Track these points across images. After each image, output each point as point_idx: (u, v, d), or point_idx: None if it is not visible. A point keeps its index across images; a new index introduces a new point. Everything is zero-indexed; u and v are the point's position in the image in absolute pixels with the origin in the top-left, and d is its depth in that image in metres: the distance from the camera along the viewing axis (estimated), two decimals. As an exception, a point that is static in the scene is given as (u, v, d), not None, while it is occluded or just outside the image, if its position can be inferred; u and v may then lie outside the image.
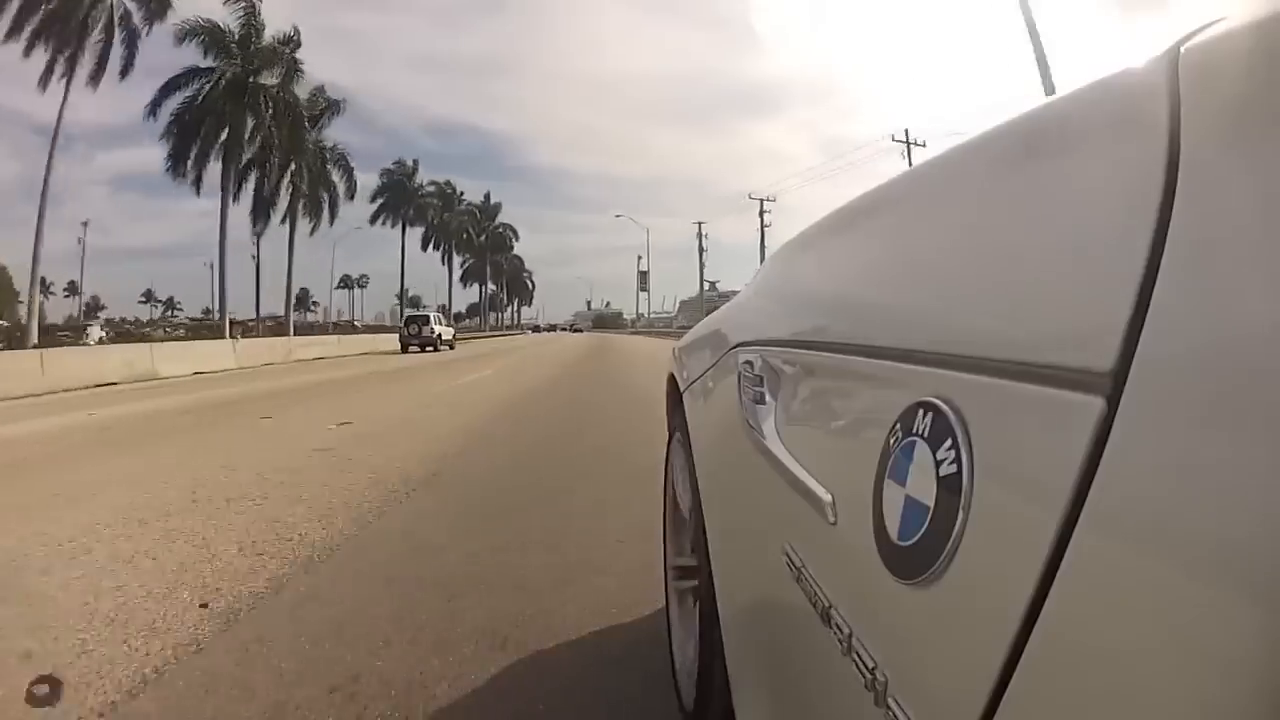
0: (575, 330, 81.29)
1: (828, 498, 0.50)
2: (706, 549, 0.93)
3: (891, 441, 0.41)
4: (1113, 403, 0.25)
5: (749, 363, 0.81)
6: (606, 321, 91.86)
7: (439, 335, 21.69)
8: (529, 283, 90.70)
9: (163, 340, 22.99)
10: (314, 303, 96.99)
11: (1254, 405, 0.21)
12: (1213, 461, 0.22)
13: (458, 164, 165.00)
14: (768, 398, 0.72)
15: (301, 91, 26.42)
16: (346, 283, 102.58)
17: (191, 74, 23.76)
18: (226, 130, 24.06)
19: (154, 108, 23.47)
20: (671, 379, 1.51)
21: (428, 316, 22.81)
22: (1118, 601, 0.24)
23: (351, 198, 32.46)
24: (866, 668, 0.39)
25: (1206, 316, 0.24)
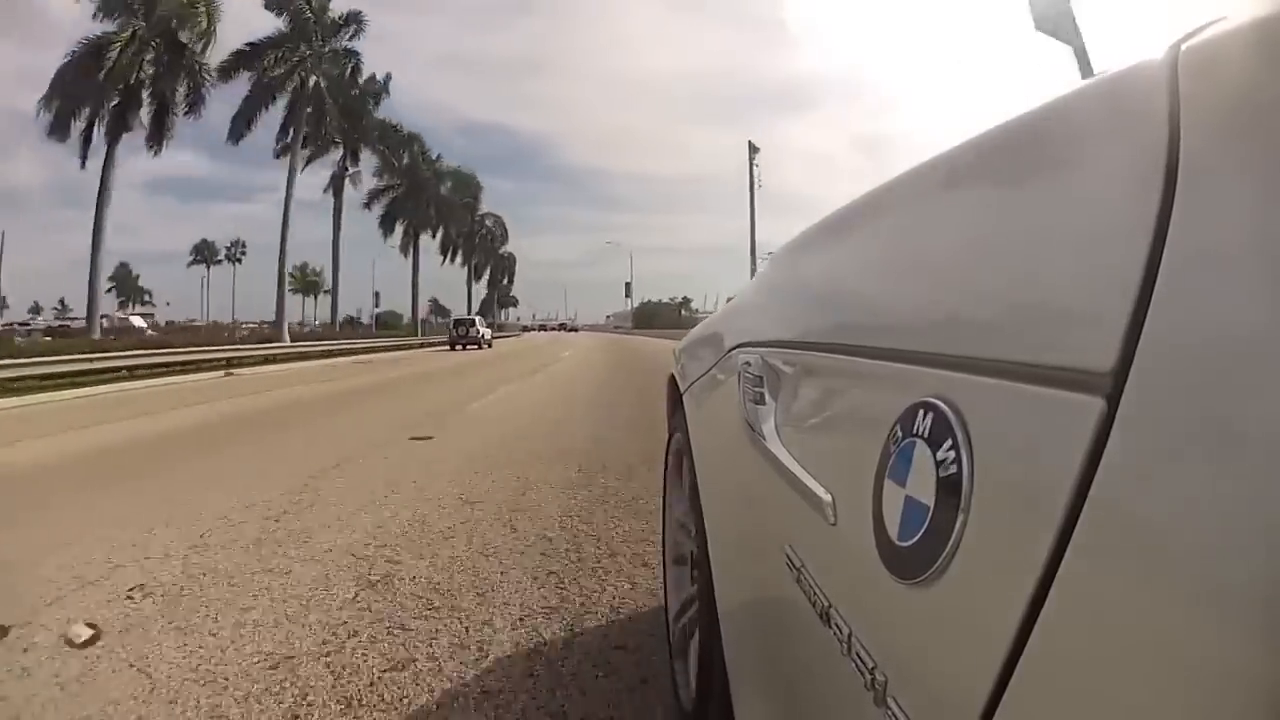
0: (567, 329, 75.07)
1: (828, 498, 0.50)
2: (706, 549, 0.93)
3: (891, 442, 0.41)
4: (1113, 403, 0.25)
5: (749, 363, 0.81)
6: (655, 317, 66.52)
7: (483, 335, 26.73)
8: (498, 231, 55.06)
9: None
10: (146, 294, 71.77)
11: (1254, 405, 0.21)
12: (1212, 461, 0.22)
13: (491, 164, 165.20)
14: (768, 398, 0.72)
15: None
16: (202, 254, 71.34)
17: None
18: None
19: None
20: (672, 380, 1.51)
21: (473, 320, 27.69)
22: (1117, 602, 0.24)
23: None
24: (866, 668, 0.39)
25: (1206, 316, 0.24)
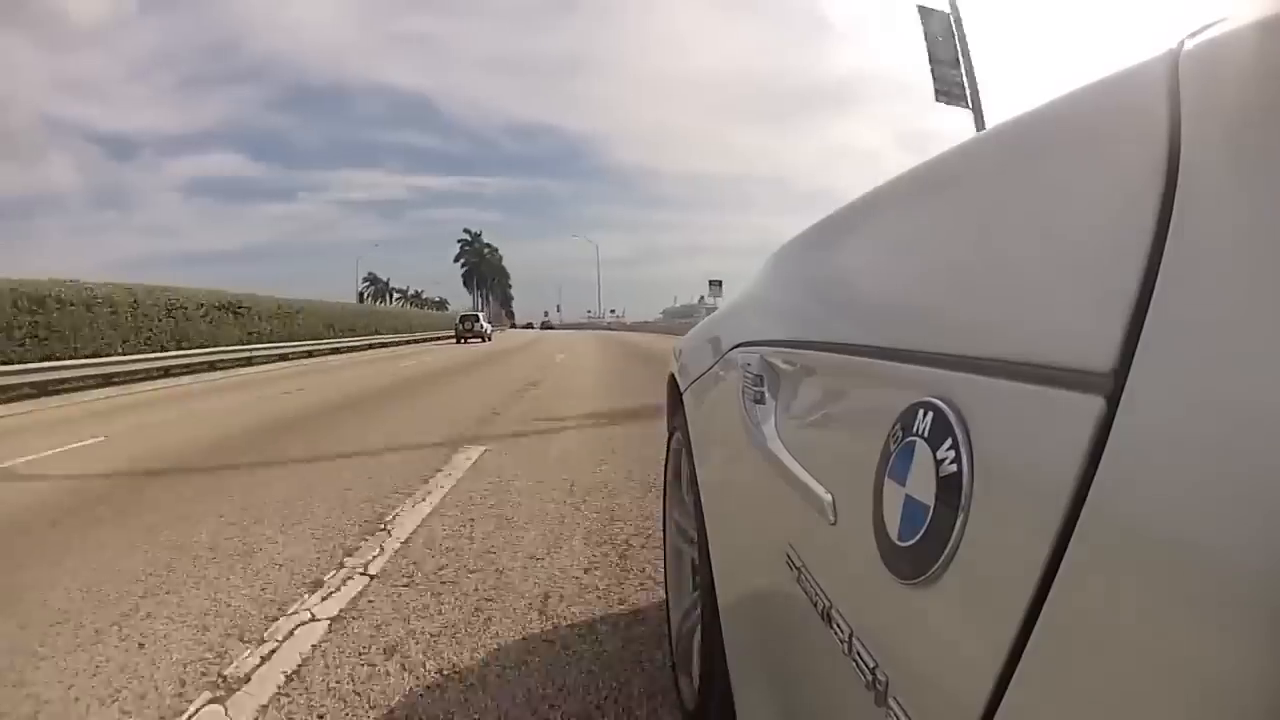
0: (543, 327, 69.31)
1: (828, 498, 0.50)
2: (707, 549, 0.93)
3: (891, 441, 0.41)
4: (1113, 403, 0.25)
5: (749, 362, 0.81)
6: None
7: (486, 329, 30.20)
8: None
9: None
10: None
11: (1254, 405, 0.21)
12: (1213, 461, 0.22)
13: (540, 165, 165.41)
14: (767, 398, 0.72)
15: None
16: None
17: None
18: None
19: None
20: (672, 379, 1.51)
21: (477, 316, 31.06)
22: (1117, 601, 0.24)
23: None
24: (867, 668, 0.39)
25: (1206, 316, 0.24)
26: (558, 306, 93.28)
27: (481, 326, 30.05)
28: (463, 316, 32.06)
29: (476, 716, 1.36)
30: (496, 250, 79.44)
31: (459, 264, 76.15)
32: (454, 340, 28.89)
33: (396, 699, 1.44)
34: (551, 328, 70.91)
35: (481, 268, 75.39)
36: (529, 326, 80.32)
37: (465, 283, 75.85)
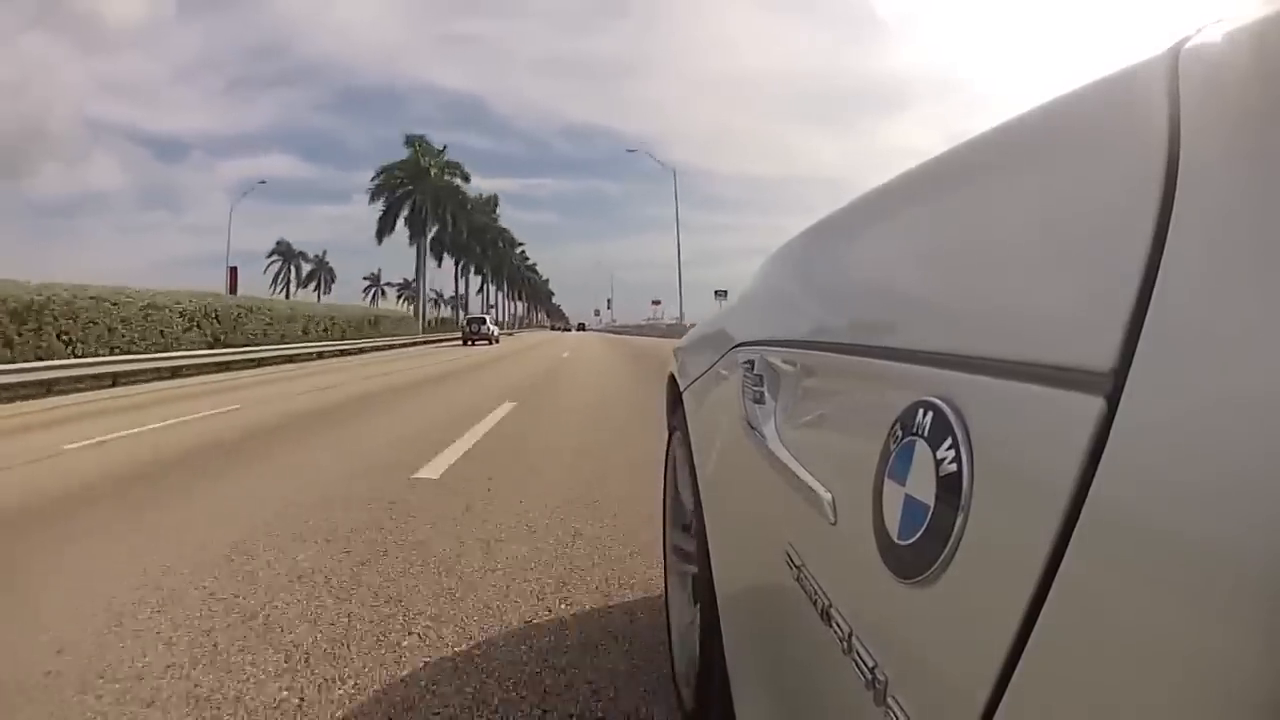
0: (567, 329, 68.31)
1: (828, 497, 0.50)
2: (707, 549, 0.93)
3: (891, 441, 0.41)
4: (1113, 402, 0.25)
5: (749, 362, 0.81)
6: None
7: (493, 332, 30.16)
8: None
9: None
10: None
11: (1254, 405, 0.21)
12: (1213, 461, 0.22)
13: (595, 167, 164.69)
14: (767, 397, 0.72)
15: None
16: None
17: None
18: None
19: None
20: (672, 378, 1.51)
21: (484, 319, 31.31)
22: (1117, 601, 0.24)
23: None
24: (866, 667, 0.39)
25: (1206, 316, 0.24)
26: (609, 302, 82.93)
27: (489, 329, 29.57)
28: (469, 319, 32.42)
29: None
30: (461, 168, 37.76)
31: (372, 200, 36.24)
32: (461, 342, 28.82)
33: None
34: (584, 328, 67.54)
35: (417, 197, 35.10)
36: (568, 329, 76.14)
37: (384, 228, 34.66)
